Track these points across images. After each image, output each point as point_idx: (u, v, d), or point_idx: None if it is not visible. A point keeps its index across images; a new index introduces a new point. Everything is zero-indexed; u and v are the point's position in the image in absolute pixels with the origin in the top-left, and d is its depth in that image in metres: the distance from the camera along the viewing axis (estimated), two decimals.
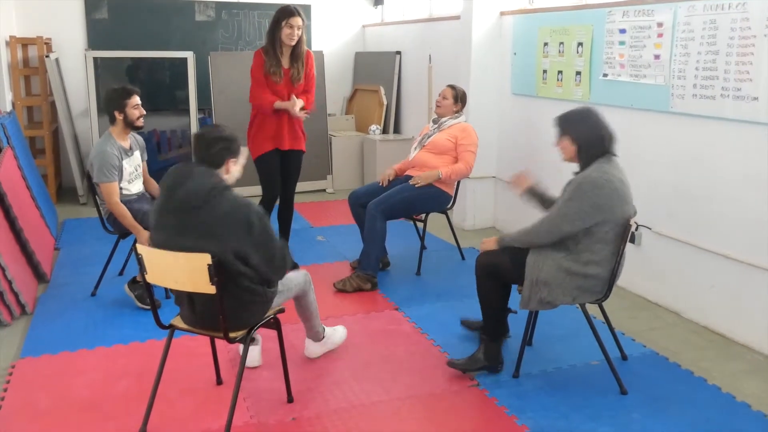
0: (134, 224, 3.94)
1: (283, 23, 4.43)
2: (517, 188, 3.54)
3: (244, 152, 2.89)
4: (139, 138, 4.33)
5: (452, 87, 4.77)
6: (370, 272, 4.41)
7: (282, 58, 4.54)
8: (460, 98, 4.75)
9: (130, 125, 4.09)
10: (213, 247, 2.56)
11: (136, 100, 4.09)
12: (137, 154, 4.24)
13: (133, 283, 4.07)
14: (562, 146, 3.15)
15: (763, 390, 3.17)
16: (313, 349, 3.43)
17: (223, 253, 2.57)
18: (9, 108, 5.94)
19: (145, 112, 4.14)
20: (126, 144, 4.12)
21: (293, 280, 3.09)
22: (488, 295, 3.26)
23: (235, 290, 2.67)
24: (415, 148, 4.81)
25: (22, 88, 6.59)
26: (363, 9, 8.36)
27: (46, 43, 6.65)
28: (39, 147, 6.91)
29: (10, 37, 6.33)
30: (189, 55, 6.74)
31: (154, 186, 4.34)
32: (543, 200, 3.46)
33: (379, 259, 4.54)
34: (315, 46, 8.00)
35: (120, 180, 4.02)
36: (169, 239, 2.65)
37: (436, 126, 4.76)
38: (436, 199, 4.65)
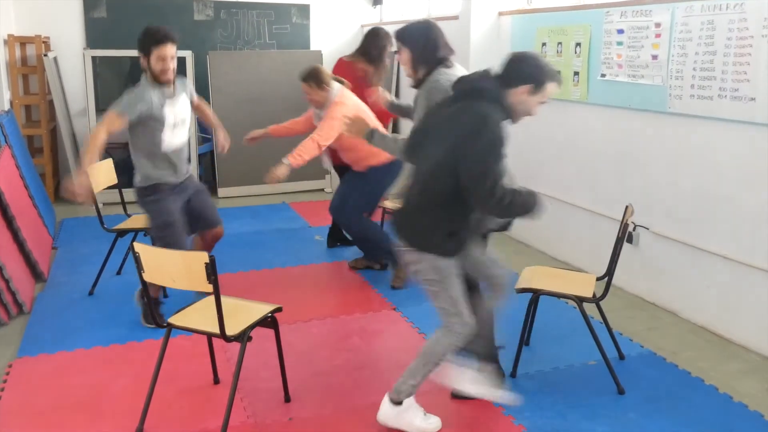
0: (92, 153, 3.35)
1: (389, 48, 4.69)
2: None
3: (545, 92, 2.64)
4: (184, 79, 3.83)
5: (302, 79, 4.25)
6: (379, 258, 4.56)
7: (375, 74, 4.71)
8: (313, 79, 4.20)
9: (154, 78, 3.51)
10: (443, 147, 2.53)
11: (166, 51, 3.46)
12: (183, 98, 3.73)
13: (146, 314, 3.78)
14: (402, 59, 3.11)
15: (760, 390, 3.18)
16: (385, 409, 2.79)
17: (446, 157, 2.51)
18: (7, 107, 5.93)
19: (173, 67, 3.54)
20: (169, 89, 3.60)
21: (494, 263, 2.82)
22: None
23: (431, 206, 2.59)
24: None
25: (20, 86, 6.58)
26: (362, 8, 8.35)
27: (44, 42, 6.65)
28: (37, 146, 6.90)
29: (9, 35, 6.33)
30: (187, 55, 6.73)
31: (208, 114, 4.09)
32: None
33: (386, 250, 4.31)
34: (313, 46, 7.99)
35: (162, 129, 3.58)
36: (422, 121, 2.81)
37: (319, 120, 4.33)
38: (383, 175, 4.35)
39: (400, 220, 2.75)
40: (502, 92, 2.58)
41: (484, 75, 2.65)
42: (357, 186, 4.42)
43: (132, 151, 3.69)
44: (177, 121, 3.67)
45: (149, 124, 3.56)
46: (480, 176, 2.44)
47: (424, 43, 3.08)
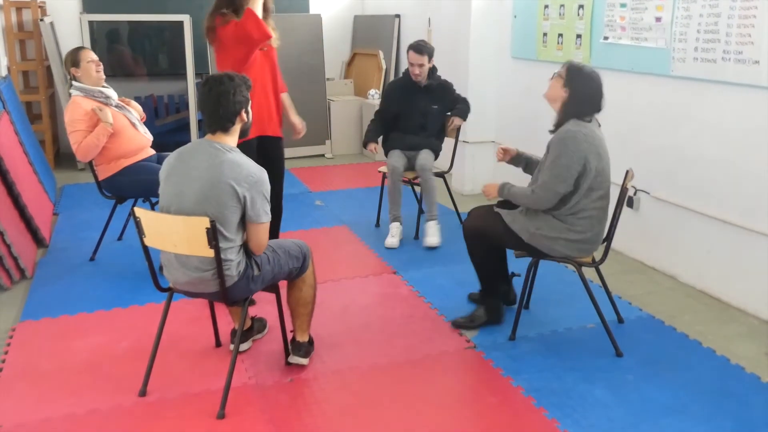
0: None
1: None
2: (503, 160, 3.51)
3: None
4: None
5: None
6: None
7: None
8: (65, 64, 4.09)
9: None
10: None
11: None
12: None
13: None
14: (555, 86, 3.13)
15: (757, 353, 3.20)
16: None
17: None
18: (4, 73, 5.89)
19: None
20: None
21: None
22: (480, 258, 3.36)
23: None
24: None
25: (17, 52, 6.52)
26: None
27: (40, 7, 6.56)
28: (36, 112, 6.87)
29: (4, 0, 6.25)
30: (185, 19, 6.66)
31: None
32: (527, 164, 3.48)
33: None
34: (313, 9, 7.90)
35: None
36: None
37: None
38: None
39: None
40: None
41: None
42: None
43: None
44: None
45: None
46: None
47: (585, 93, 3.08)
